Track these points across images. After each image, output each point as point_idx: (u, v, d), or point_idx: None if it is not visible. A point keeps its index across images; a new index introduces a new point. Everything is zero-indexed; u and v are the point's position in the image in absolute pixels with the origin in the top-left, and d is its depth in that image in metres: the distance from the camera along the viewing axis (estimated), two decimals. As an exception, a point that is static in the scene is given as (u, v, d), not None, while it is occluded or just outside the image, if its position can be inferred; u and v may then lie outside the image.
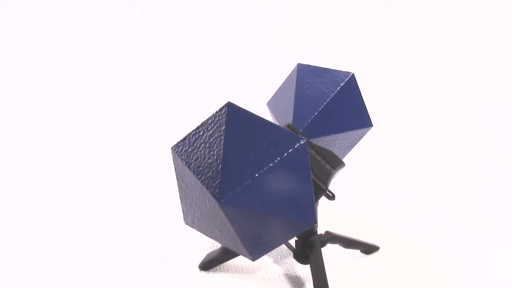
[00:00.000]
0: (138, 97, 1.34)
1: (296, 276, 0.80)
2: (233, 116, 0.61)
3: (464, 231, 0.88)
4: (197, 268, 0.82)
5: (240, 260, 0.82)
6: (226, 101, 0.62)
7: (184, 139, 0.64)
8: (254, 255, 0.63)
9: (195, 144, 0.62)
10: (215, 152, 0.60)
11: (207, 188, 0.59)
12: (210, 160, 0.60)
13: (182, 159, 0.63)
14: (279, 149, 0.59)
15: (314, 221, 0.60)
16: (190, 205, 0.64)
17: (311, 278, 0.78)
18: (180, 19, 1.59)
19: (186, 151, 0.63)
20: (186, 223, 0.66)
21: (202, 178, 0.59)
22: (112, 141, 1.18)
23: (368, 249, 0.83)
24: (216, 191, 0.58)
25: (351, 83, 0.79)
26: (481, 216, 0.92)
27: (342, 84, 0.79)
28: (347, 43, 1.48)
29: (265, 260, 0.82)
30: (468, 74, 1.33)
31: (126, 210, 0.95)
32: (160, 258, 0.84)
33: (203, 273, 0.81)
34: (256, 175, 0.58)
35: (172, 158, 0.65)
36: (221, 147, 0.60)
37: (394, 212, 0.93)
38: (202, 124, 0.63)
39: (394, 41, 1.50)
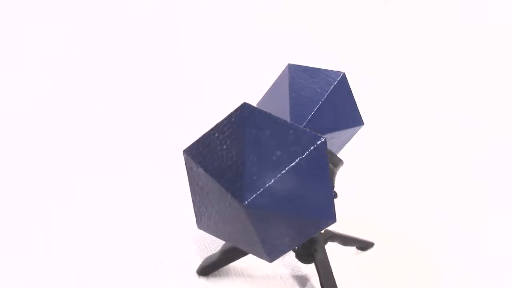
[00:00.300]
0: (129, 99, 1.30)
1: (298, 276, 0.80)
2: (250, 117, 0.60)
3: (459, 225, 0.89)
4: (195, 273, 0.81)
5: (240, 263, 0.81)
6: (242, 102, 0.61)
7: (198, 141, 0.63)
8: (272, 256, 0.63)
9: (211, 146, 0.61)
10: (234, 154, 0.59)
11: (228, 191, 0.58)
12: (229, 162, 0.59)
13: (196, 162, 0.61)
14: (300, 148, 0.59)
15: (335, 219, 0.61)
16: (205, 208, 0.62)
17: (312, 277, 0.79)
18: (175, 22, 1.57)
19: (201, 154, 0.61)
20: (200, 227, 0.65)
21: (222, 181, 0.59)
22: (107, 144, 1.14)
23: (364, 245, 0.84)
24: (239, 193, 0.57)
25: (342, 82, 0.81)
26: (478, 210, 0.93)
27: (334, 84, 0.80)
28: (331, 42, 1.48)
29: (265, 262, 0.82)
30: (464, 71, 1.35)
31: (120, 214, 0.93)
32: (156, 263, 0.82)
33: (202, 278, 0.80)
34: (278, 175, 0.58)
35: (184, 161, 0.64)
36: (240, 148, 0.59)
37: (386, 208, 0.94)
38: (216, 125, 0.62)
39: (380, 38, 1.51)
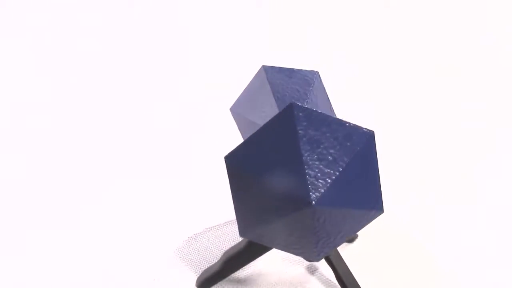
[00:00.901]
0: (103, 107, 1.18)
1: (303, 276, 0.80)
2: (301, 116, 0.60)
3: (454, 219, 0.91)
4: (195, 287, 0.77)
5: (242, 272, 0.79)
6: (290, 102, 0.60)
7: (242, 146, 0.61)
8: (321, 256, 0.63)
9: (259, 150, 0.60)
10: (290, 154, 0.58)
11: (291, 192, 0.57)
12: (286, 164, 0.58)
13: (244, 168, 0.59)
14: (353, 144, 0.60)
15: (383, 210, 0.62)
16: (255, 215, 0.60)
17: (318, 275, 0.80)
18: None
19: (249, 159, 0.60)
20: (244, 235, 0.63)
21: (281, 184, 0.57)
22: (101, 155, 1.03)
23: (351, 237, 0.86)
24: (305, 193, 0.56)
25: (318, 80, 0.83)
26: (467, 201, 0.94)
27: (312, 83, 0.81)
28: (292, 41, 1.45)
29: (266, 265, 0.81)
30: (443, 71, 1.33)
31: (111, 225, 0.86)
32: (149, 280, 0.77)
33: (206, 292, 0.77)
34: (338, 172, 0.58)
35: (226, 169, 0.61)
36: (296, 148, 0.58)
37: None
38: (263, 128, 0.60)
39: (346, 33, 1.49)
